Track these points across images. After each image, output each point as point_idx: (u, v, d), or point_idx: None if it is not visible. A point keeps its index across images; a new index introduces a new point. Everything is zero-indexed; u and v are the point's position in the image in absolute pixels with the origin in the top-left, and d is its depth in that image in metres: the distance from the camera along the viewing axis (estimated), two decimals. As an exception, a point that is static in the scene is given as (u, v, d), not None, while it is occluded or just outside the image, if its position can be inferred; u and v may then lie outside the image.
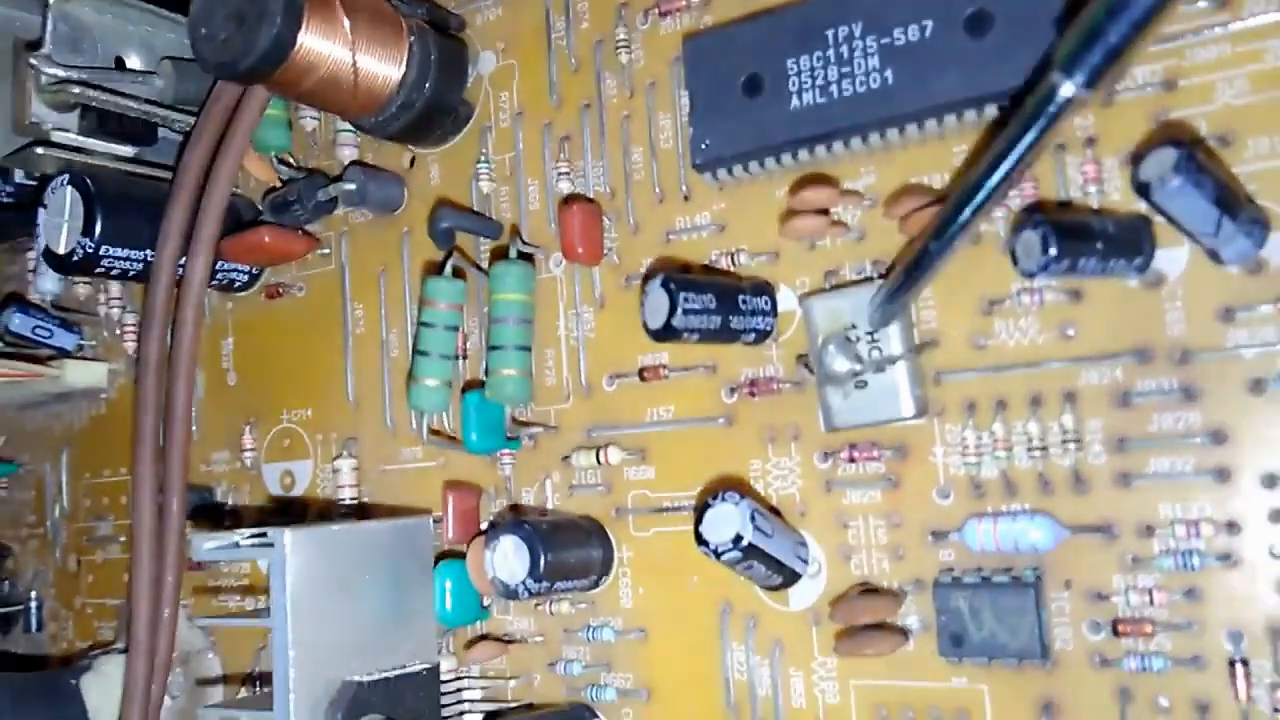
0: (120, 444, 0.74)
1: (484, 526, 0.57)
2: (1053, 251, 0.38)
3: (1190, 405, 0.41)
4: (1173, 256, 0.41)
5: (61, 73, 0.59)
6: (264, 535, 0.51)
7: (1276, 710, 0.39)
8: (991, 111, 0.43)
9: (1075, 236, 0.38)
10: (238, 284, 0.67)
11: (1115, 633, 0.41)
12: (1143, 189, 0.37)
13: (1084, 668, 0.42)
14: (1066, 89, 0.35)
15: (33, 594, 0.79)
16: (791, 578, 0.47)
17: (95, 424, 0.77)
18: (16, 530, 0.81)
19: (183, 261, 0.60)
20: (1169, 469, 0.41)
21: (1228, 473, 0.40)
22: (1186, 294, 0.41)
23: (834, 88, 0.46)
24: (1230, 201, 0.37)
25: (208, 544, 0.52)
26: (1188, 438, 0.41)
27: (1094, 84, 0.34)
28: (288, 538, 0.50)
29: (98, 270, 0.60)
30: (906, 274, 0.42)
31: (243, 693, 0.65)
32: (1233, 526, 0.40)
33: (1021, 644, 0.42)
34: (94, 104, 0.60)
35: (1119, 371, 0.42)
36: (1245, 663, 0.39)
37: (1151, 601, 0.41)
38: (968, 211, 0.39)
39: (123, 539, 0.74)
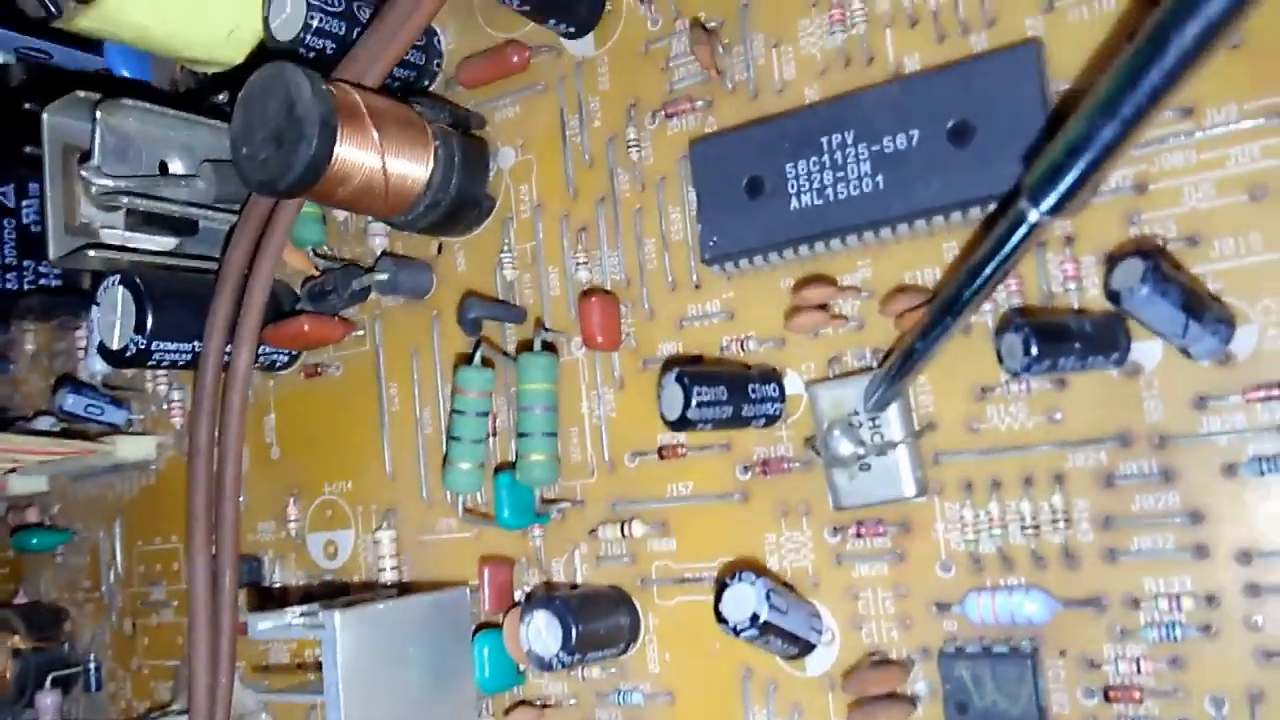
0: (169, 512, 0.79)
1: (518, 596, 0.60)
2: (1034, 352, 0.41)
3: (1169, 487, 0.44)
4: (1148, 350, 0.44)
5: (111, 183, 0.63)
6: (315, 615, 0.54)
7: (1257, 771, 0.42)
8: (975, 214, 0.47)
9: (1055, 337, 0.42)
10: (279, 364, 0.71)
11: (1107, 699, 0.44)
12: (1114, 297, 0.40)
13: (1080, 731, 0.45)
14: (1033, 215, 0.38)
15: (91, 655, 0.83)
16: (807, 648, 0.50)
17: (145, 494, 0.81)
18: (74, 594, 0.85)
19: (228, 349, 0.64)
20: (1151, 546, 0.44)
21: (1205, 549, 0.43)
22: (1162, 384, 0.44)
23: (830, 191, 0.50)
24: (1196, 305, 0.40)
25: (262, 624, 0.56)
26: (1168, 517, 0.44)
27: (1057, 212, 0.38)
28: (338, 619, 0.54)
29: (149, 363, 0.64)
30: (897, 369, 0.45)
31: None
32: (1211, 600, 0.43)
33: (1021, 711, 0.45)
34: (141, 208, 0.64)
35: (1103, 455, 0.45)
36: (1227, 726, 0.42)
37: (1139, 670, 0.44)
38: (949, 317, 0.42)
39: (175, 604, 0.78)
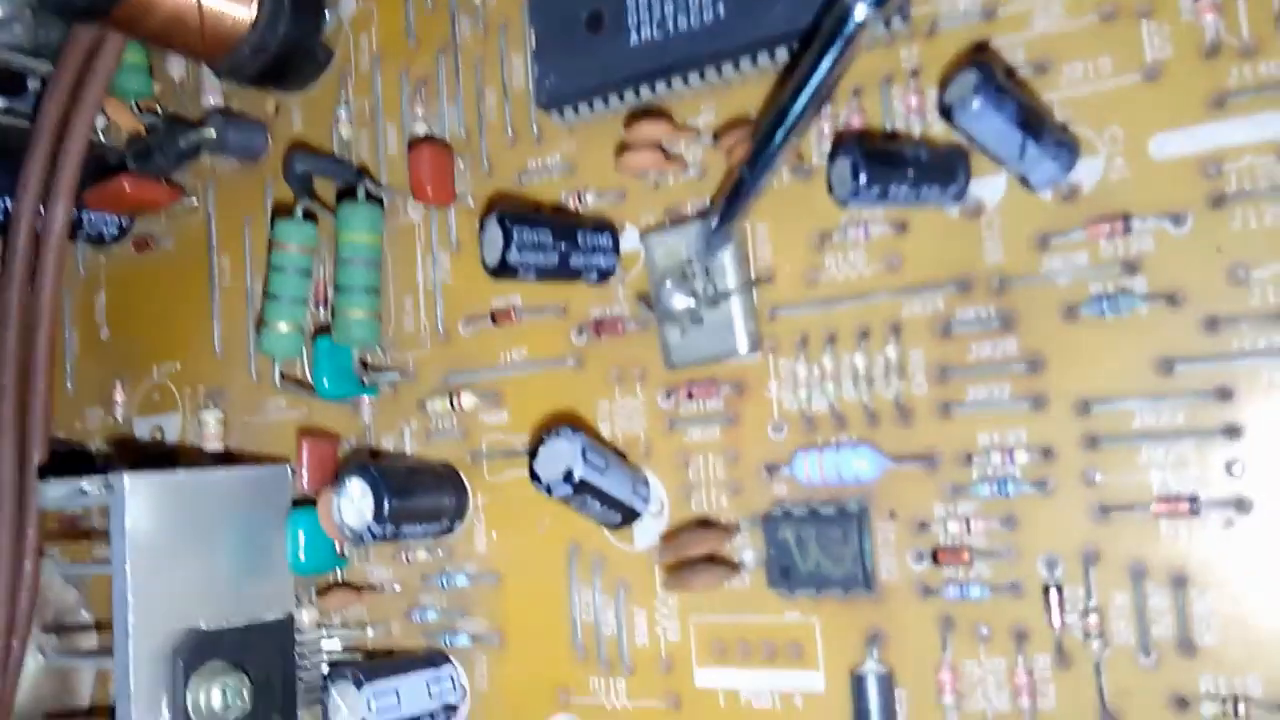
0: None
1: (342, 475, 0.56)
2: (863, 178, 0.38)
3: (1007, 333, 0.41)
4: (991, 184, 0.41)
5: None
6: (107, 481, 0.50)
7: (1088, 636, 0.39)
8: (819, 44, 0.43)
9: (886, 163, 0.38)
10: (107, 236, 0.66)
11: (935, 561, 0.41)
12: (946, 111, 0.37)
13: (908, 597, 0.42)
14: (859, 11, 0.35)
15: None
16: (631, 515, 0.47)
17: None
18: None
19: (43, 211, 0.59)
20: (987, 397, 0.41)
21: (1043, 399, 0.40)
22: (1004, 222, 0.41)
23: (669, 23, 0.46)
24: (1034, 123, 0.37)
25: (52, 490, 0.52)
26: (1005, 365, 0.41)
27: (882, 2, 0.34)
28: (128, 482, 0.49)
29: (-48, 218, 0.59)
30: (727, 202, 0.42)
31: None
32: (1048, 453, 0.40)
33: (845, 573, 0.42)
34: (-53, 50, 0.59)
35: (940, 301, 0.42)
36: (1060, 589, 0.39)
37: (969, 530, 0.41)
38: (777, 137, 0.39)
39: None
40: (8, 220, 0.60)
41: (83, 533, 0.67)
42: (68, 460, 0.66)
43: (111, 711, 0.61)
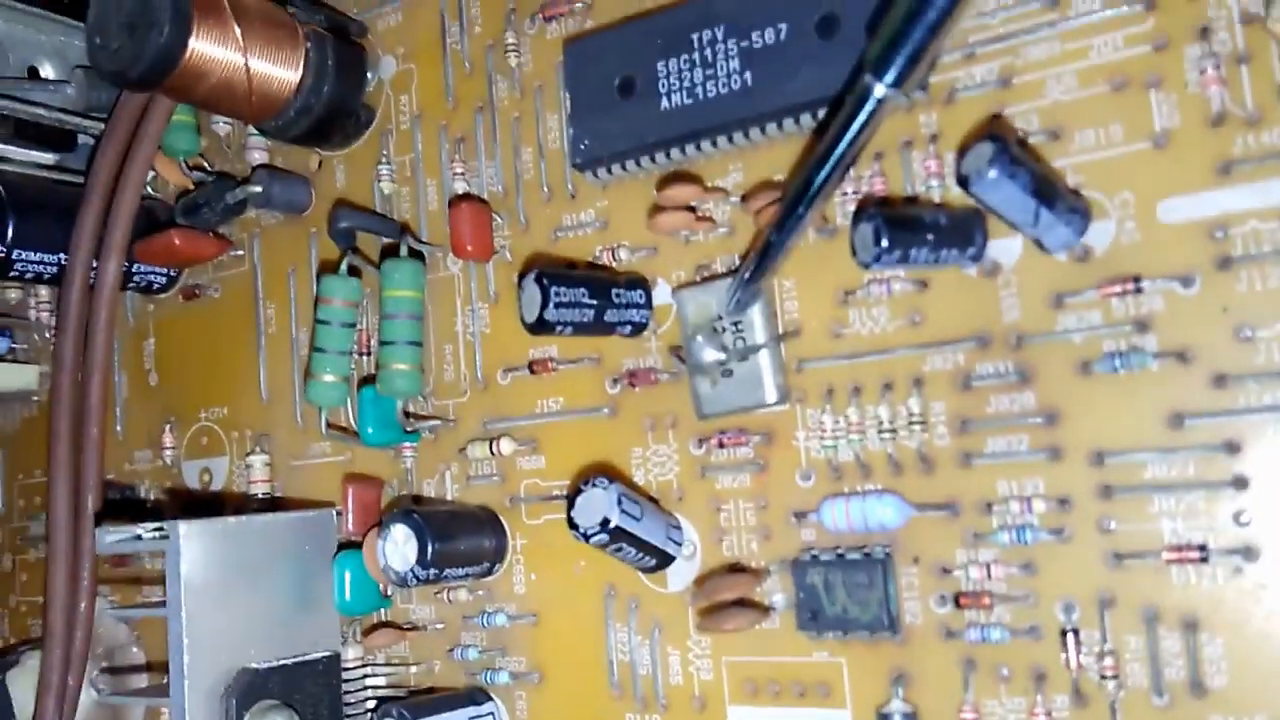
0: (51, 445, 0.76)
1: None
2: (884, 243, 0.40)
3: (1025, 387, 0.43)
4: (1008, 247, 0.43)
5: (-29, 83, 0.60)
6: (162, 528, 0.52)
7: (1103, 677, 0.40)
8: (842, 110, 0.45)
9: (907, 228, 0.40)
10: (156, 286, 0.68)
11: (958, 605, 0.43)
12: (963, 181, 0.39)
13: (932, 639, 0.44)
14: (878, 90, 0.37)
15: (-32, 594, 0.81)
16: (664, 560, 0.49)
17: (27, 426, 0.78)
18: (-47, 532, 0.82)
19: (96, 265, 0.62)
20: (1006, 448, 0.43)
21: (1059, 451, 0.42)
22: (1020, 281, 0.43)
23: (699, 89, 0.48)
24: (1047, 192, 0.39)
25: (109, 537, 0.54)
26: (1023, 418, 0.42)
27: (901, 84, 0.36)
28: (183, 529, 0.52)
29: (12, 274, 0.62)
30: (754, 264, 0.44)
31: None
32: (1064, 502, 0.42)
33: (871, 617, 0.44)
34: (5, 112, 0.62)
35: (961, 356, 0.44)
36: (1076, 632, 0.41)
37: (990, 575, 0.43)
38: (802, 205, 0.41)
39: (53, 538, 0.76)
40: (62, 274, 0.63)
41: (133, 574, 0.69)
42: (119, 505, 0.69)
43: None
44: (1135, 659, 0.40)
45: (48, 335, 0.76)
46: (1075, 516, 0.41)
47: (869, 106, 0.38)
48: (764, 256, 0.43)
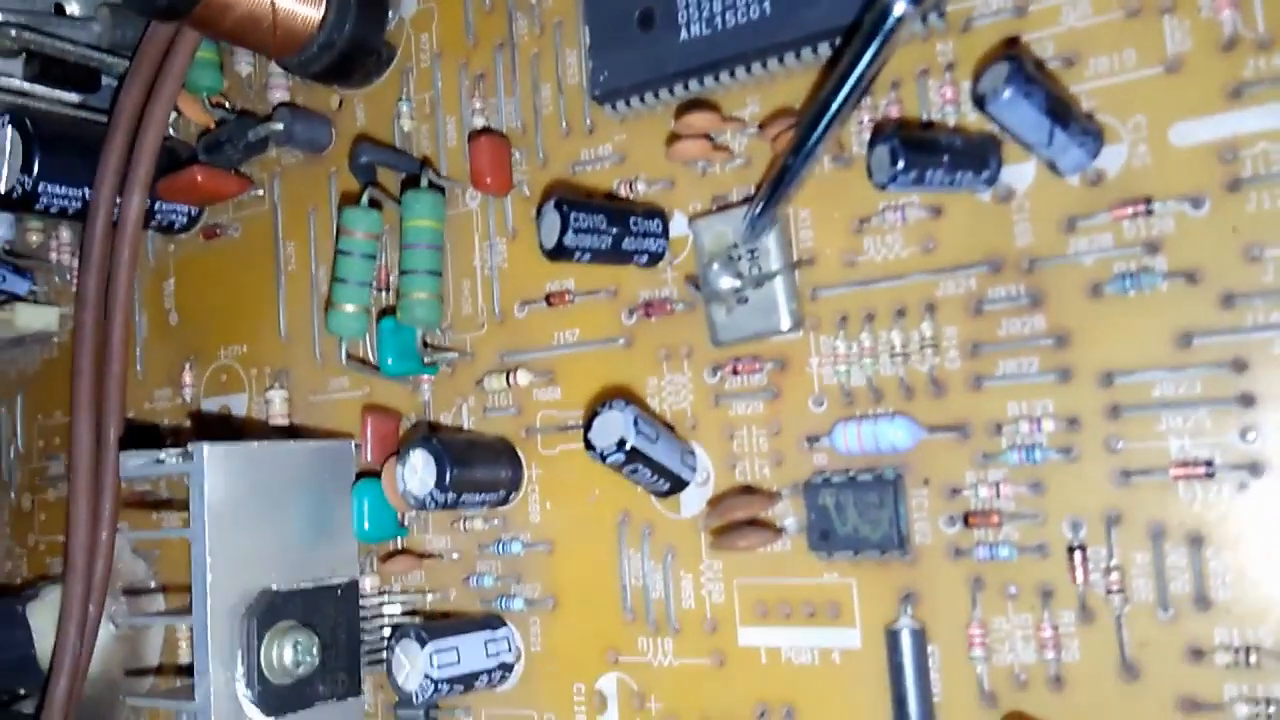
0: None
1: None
2: (900, 164, 0.41)
3: (1036, 310, 0.43)
4: (1021, 172, 0.44)
5: (0, 17, 0.61)
6: (185, 450, 0.53)
7: (1109, 593, 0.41)
8: (859, 38, 0.46)
9: (923, 150, 0.41)
10: (177, 225, 0.69)
11: (967, 524, 0.44)
12: (979, 100, 0.39)
13: (941, 559, 0.45)
14: (898, 8, 0.37)
15: (-12, 533, 0.82)
16: (679, 484, 0.50)
17: (48, 367, 0.79)
18: (-27, 472, 0.84)
19: (119, 201, 0.63)
20: (1016, 370, 0.44)
21: (1069, 372, 0.43)
22: (1033, 206, 0.43)
23: (718, 19, 0.49)
24: (1061, 113, 0.40)
25: (132, 461, 0.55)
26: (1034, 340, 0.43)
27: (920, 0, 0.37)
28: (207, 451, 0.53)
29: (37, 207, 0.63)
30: (771, 189, 0.44)
31: (181, 626, 0.68)
32: (1073, 422, 0.42)
33: (881, 536, 0.45)
34: (33, 48, 0.63)
35: (973, 281, 0.44)
36: (1083, 549, 0.42)
37: (999, 494, 0.43)
38: (819, 127, 0.41)
39: (73, 476, 0.77)
40: (86, 210, 0.64)
41: (149, 505, 0.70)
42: (139, 437, 0.69)
43: (183, 669, 0.65)
44: (1141, 574, 0.41)
45: (69, 278, 0.77)
46: (1084, 436, 0.42)
47: (888, 24, 0.38)
48: (780, 182, 0.44)
